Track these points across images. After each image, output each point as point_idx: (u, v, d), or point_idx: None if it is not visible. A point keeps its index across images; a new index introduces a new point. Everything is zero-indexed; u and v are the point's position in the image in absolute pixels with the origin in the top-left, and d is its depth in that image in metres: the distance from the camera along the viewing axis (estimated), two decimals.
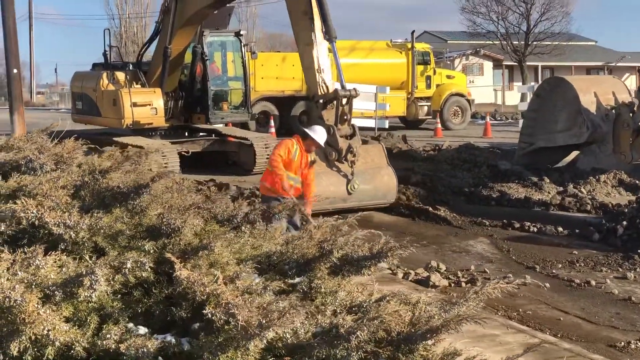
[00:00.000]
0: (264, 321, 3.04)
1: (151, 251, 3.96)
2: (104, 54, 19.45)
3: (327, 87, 13.38)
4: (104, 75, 18.93)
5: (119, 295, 3.77)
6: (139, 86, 18.88)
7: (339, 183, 13.26)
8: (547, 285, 9.69)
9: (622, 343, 7.68)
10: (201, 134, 19.82)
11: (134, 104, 18.03)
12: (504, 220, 13.23)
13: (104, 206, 4.37)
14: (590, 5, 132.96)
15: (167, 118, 18.96)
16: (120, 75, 19.00)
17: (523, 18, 54.32)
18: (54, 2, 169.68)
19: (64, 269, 3.57)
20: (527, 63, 54.96)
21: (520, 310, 8.68)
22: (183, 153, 18.33)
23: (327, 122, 13.13)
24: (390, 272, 10.15)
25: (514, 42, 54.15)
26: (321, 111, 13.36)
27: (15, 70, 16.68)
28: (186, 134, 19.75)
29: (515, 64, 55.66)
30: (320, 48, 13.42)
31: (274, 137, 24.61)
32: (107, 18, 62.52)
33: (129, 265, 3.57)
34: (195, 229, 4.18)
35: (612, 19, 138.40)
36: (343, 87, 13.37)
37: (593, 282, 9.74)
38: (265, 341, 3.17)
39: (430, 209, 13.98)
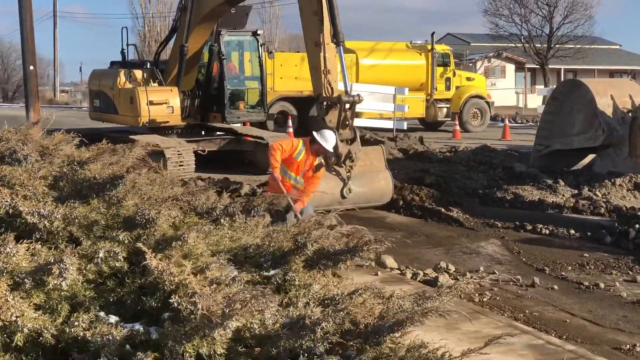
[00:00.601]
0: (227, 311, 3.07)
1: (125, 241, 4.00)
2: (122, 52, 19.58)
3: (332, 89, 13.39)
4: (122, 73, 19.04)
5: (93, 285, 3.81)
6: (156, 84, 18.98)
7: (336, 186, 13.38)
8: (556, 287, 9.64)
9: (628, 346, 7.62)
10: (218, 133, 19.88)
11: (151, 102, 18.12)
12: (517, 223, 13.17)
13: (81, 197, 4.41)
14: (615, 9, 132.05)
15: (184, 117, 19.05)
16: (138, 74, 19.11)
17: (546, 21, 54.16)
18: (81, 1, 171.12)
19: (36, 257, 3.62)
20: (550, 66, 54.78)
21: (527, 311, 8.64)
22: (199, 152, 18.42)
23: (330, 125, 13.19)
24: (399, 272, 10.16)
25: (537, 45, 53.93)
26: (324, 113, 13.39)
27: (31, 67, 16.80)
28: (202, 132, 19.81)
29: (538, 66, 55.44)
30: (328, 49, 13.45)
31: (292, 137, 24.67)
32: (131, 17, 62.84)
33: (101, 255, 3.61)
34: (173, 221, 4.22)
35: (637, 23, 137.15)
36: (347, 92, 13.37)
37: (602, 285, 9.67)
38: (229, 331, 3.20)
39: (443, 210, 13.95)
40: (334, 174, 13.31)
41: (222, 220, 4.46)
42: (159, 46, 21.04)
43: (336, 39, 13.32)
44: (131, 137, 17.50)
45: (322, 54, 13.39)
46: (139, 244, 3.77)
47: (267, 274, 4.18)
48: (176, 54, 18.77)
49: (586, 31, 54.40)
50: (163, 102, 18.36)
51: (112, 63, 20.77)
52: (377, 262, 10.43)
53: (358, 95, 13.51)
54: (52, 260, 3.46)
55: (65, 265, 3.38)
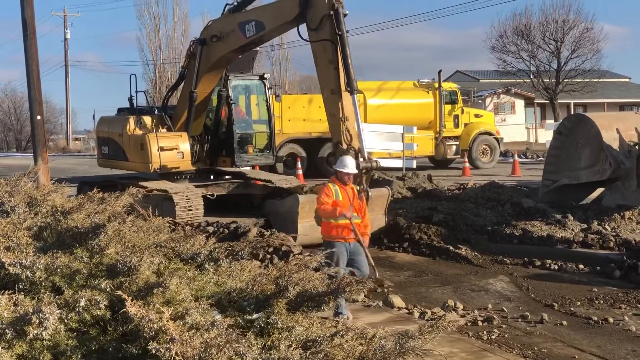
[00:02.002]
0: (203, 356, 3.08)
1: (107, 289, 4.02)
2: (129, 99, 19.74)
3: (350, 136, 13.45)
4: (131, 119, 19.15)
5: (76, 333, 3.82)
6: (164, 130, 19.10)
7: None
8: (565, 322, 9.59)
9: None
10: (226, 177, 19.97)
11: (161, 148, 18.22)
12: (525, 259, 13.12)
13: (65, 246, 4.45)
14: (624, 42, 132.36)
15: (193, 162, 19.15)
16: (147, 120, 19.23)
17: (553, 56, 54.26)
18: (95, 49, 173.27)
19: (18, 308, 3.64)
20: (559, 100, 54.78)
21: (536, 348, 8.59)
22: (208, 196, 18.50)
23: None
24: (407, 311, 10.14)
25: (545, 80, 54.02)
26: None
27: (38, 117, 17.00)
28: (211, 177, 19.90)
29: (547, 101, 55.50)
30: (345, 97, 13.55)
31: (301, 179, 24.78)
32: (142, 64, 63.36)
33: (82, 304, 3.62)
34: (156, 267, 4.24)
35: None
36: (364, 157, 13.32)
37: (611, 320, 9.61)
38: None
39: (451, 247, 13.91)
40: None
41: (206, 266, 4.50)
42: (167, 92, 21.21)
43: (350, 87, 13.41)
44: (141, 183, 17.60)
45: (339, 102, 13.49)
46: (119, 292, 3.80)
47: (250, 317, 4.19)
48: (185, 100, 18.88)
49: (594, 65, 54.44)
50: (173, 148, 18.46)
51: (120, 110, 20.93)
52: (384, 301, 10.42)
53: (377, 161, 13.54)
54: (31, 311, 3.49)
55: (45, 314, 3.40)
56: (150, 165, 18.28)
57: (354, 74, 13.52)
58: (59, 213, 4.79)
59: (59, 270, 4.10)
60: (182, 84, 19.42)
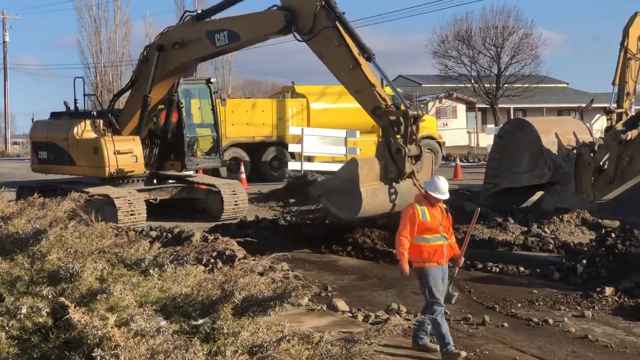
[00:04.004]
0: None
1: (49, 296, 3.97)
2: (65, 103, 19.42)
3: (385, 100, 13.48)
4: (82, 123, 18.66)
5: (17, 341, 3.76)
6: (110, 134, 18.78)
7: (385, 200, 13.35)
8: (506, 324, 9.73)
9: None
10: (170, 181, 19.79)
11: (117, 152, 17.89)
12: (467, 261, 13.23)
13: (5, 252, 4.38)
14: (562, 49, 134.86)
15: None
16: (96, 124, 18.86)
17: (494, 61, 54.96)
18: (35, 53, 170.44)
19: None
20: (500, 105, 55.54)
21: (478, 350, 8.70)
22: (151, 201, 18.33)
23: (395, 144, 13.30)
24: (351, 315, 10.17)
25: (486, 85, 54.70)
26: (389, 125, 13.34)
27: None
28: (154, 181, 19.67)
29: (488, 106, 56.24)
30: (365, 67, 13.64)
31: (244, 183, 24.79)
32: (82, 67, 62.42)
33: (23, 311, 3.57)
34: (99, 273, 4.20)
35: (584, 61, 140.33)
36: (406, 106, 13.40)
37: (551, 321, 9.78)
38: None
39: (394, 251, 13.94)
40: (387, 185, 13.34)
41: (151, 271, 4.45)
42: (115, 96, 20.94)
43: (366, 53, 13.56)
44: (84, 188, 17.30)
45: (362, 73, 13.57)
46: (62, 298, 3.74)
47: (195, 323, 4.16)
48: (136, 104, 18.46)
49: (533, 70, 55.31)
50: (128, 152, 18.15)
51: (53, 114, 20.47)
52: (328, 305, 10.44)
53: (421, 107, 13.58)
54: None
55: None
56: (107, 169, 17.88)
57: (363, 41, 13.66)
58: None
59: None
60: (132, 88, 19.12)
